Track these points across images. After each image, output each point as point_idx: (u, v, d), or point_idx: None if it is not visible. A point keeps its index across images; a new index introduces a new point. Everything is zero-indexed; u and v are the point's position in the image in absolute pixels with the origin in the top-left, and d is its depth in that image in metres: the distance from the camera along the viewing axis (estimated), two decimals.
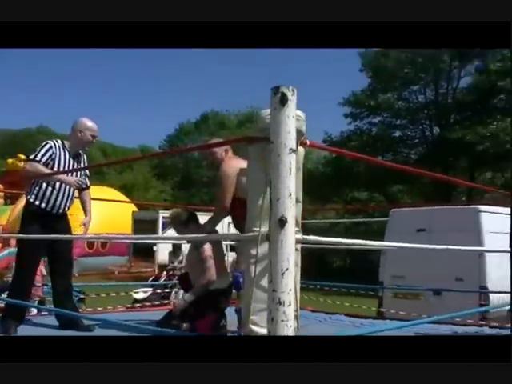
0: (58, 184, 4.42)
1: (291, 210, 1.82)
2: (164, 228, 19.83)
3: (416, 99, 24.21)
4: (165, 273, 11.81)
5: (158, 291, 10.72)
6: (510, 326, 5.53)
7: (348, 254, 23.97)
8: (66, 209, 4.56)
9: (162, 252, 20.49)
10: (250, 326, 2.10)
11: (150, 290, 10.97)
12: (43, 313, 5.41)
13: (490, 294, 7.97)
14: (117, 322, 4.28)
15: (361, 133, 24.52)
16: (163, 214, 20.10)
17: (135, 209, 23.03)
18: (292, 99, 1.86)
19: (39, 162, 4.37)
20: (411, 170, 4.93)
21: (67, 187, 4.48)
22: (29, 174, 4.48)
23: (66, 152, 4.51)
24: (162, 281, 11.44)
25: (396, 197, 27.75)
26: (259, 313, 2.14)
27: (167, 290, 10.93)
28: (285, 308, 1.78)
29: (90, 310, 6.57)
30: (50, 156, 4.41)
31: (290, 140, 1.85)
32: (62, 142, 4.55)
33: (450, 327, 4.61)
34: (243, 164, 4.51)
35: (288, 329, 1.78)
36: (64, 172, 4.42)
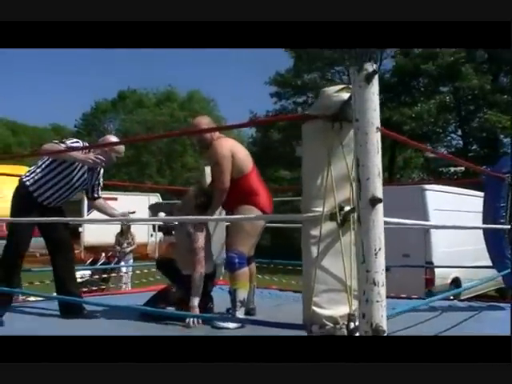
0: (60, 176, 4.21)
1: (380, 188, 1.80)
2: (90, 209, 19.31)
3: (340, 79, 24.66)
4: (103, 255, 11.49)
5: (94, 275, 10.45)
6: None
7: (267, 232, 24.29)
8: (59, 203, 4.34)
9: (88, 233, 19.97)
10: (313, 307, 2.06)
11: (86, 273, 10.64)
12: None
13: (436, 269, 8.32)
14: (117, 306, 4.14)
15: (286, 112, 24.72)
16: None
17: None
18: (376, 77, 1.83)
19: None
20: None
21: (68, 182, 4.26)
22: (42, 151, 4.25)
23: None
24: (99, 264, 11.13)
25: None
26: (321, 294, 2.11)
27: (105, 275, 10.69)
28: (379, 288, 1.77)
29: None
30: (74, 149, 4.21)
31: (376, 118, 1.82)
32: (89, 149, 4.33)
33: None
34: (233, 143, 4.44)
35: (383, 309, 1.77)
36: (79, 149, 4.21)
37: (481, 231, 8.70)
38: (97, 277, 10.10)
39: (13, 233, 4.24)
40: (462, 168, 22.24)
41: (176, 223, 5.44)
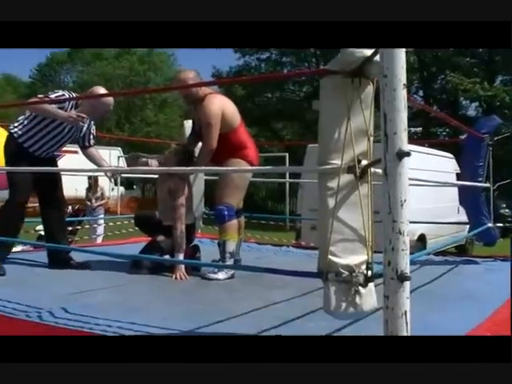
0: (48, 126, 4.16)
1: (406, 142, 1.88)
2: None
3: None
4: (70, 208, 11.35)
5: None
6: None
7: None
8: (49, 154, 4.31)
9: None
10: (329, 256, 2.15)
11: None
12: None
13: None
14: (114, 254, 4.18)
15: (250, 69, 24.56)
16: None
17: None
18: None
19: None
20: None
21: (58, 134, 4.22)
22: (32, 110, 4.16)
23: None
24: (66, 217, 10.98)
25: (280, 132, 28.44)
26: (337, 243, 2.19)
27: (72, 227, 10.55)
28: (404, 238, 1.85)
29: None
30: (60, 103, 4.12)
31: (403, 75, 1.88)
32: (77, 101, 4.26)
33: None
34: (221, 99, 4.43)
35: (407, 257, 1.86)
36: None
37: (444, 190, 8.95)
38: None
39: (12, 184, 4.20)
40: (420, 128, 22.64)
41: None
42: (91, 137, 4.54)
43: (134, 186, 25.21)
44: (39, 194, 4.41)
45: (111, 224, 9.97)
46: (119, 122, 37.32)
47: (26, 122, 4.20)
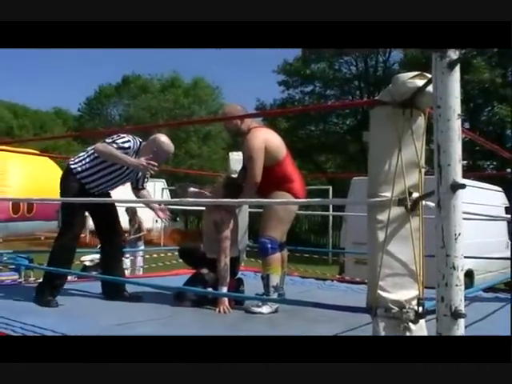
0: (110, 167, 4.22)
1: (460, 174, 1.82)
2: None
3: (348, 69, 24.61)
4: None
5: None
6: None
7: None
8: (106, 191, 4.38)
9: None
10: (378, 291, 2.09)
11: (97, 256, 10.63)
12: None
13: None
14: (162, 286, 4.17)
15: (293, 101, 24.69)
16: None
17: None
18: (458, 64, 1.84)
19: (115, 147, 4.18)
20: None
21: (118, 175, 4.29)
22: (100, 154, 4.19)
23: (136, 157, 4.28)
24: None
25: (323, 165, 28.37)
26: (387, 278, 2.13)
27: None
28: (458, 273, 1.79)
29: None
30: (125, 149, 4.19)
31: (458, 105, 1.83)
32: (139, 146, 4.31)
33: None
34: (265, 133, 4.42)
35: (461, 293, 1.80)
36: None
37: (493, 224, 8.67)
38: None
39: (67, 218, 4.24)
40: (465, 161, 22.21)
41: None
42: (145, 180, 4.59)
43: (177, 218, 25.37)
44: (99, 225, 4.49)
45: (154, 256, 10.02)
46: None
47: (87, 160, 4.23)
